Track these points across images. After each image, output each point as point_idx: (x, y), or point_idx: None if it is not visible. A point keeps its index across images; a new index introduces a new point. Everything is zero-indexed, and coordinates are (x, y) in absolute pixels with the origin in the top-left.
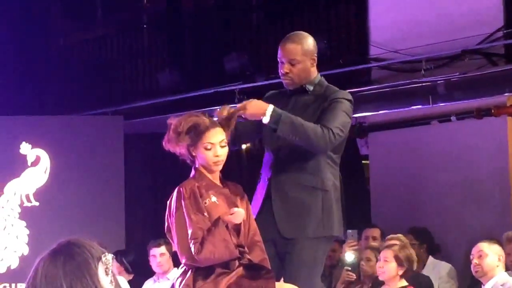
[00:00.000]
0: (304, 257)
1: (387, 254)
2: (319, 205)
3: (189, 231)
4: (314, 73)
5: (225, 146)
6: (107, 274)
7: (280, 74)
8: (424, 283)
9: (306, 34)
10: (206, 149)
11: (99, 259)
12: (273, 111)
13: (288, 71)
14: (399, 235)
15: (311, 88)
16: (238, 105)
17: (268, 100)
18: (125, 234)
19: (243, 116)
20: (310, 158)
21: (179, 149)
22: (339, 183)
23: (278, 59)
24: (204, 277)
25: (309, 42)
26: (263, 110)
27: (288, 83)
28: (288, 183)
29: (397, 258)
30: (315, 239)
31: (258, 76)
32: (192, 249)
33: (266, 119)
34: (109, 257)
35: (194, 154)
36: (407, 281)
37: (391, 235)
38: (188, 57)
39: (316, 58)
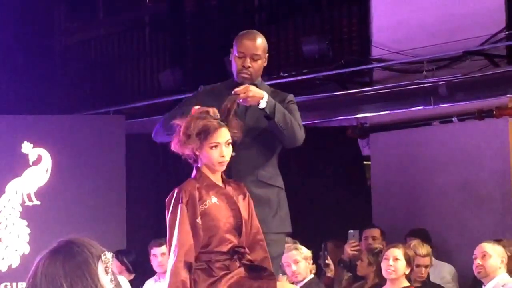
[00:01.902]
0: (272, 251)
1: (397, 253)
2: (276, 202)
3: (176, 237)
4: None
5: (229, 145)
6: (107, 273)
7: (238, 67)
8: None
9: (260, 33)
10: (211, 147)
11: (99, 258)
12: (269, 98)
13: (250, 65)
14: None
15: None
16: (238, 89)
17: (210, 94)
18: (126, 234)
19: (241, 100)
20: (268, 155)
21: (185, 151)
22: None
23: (236, 53)
24: (205, 278)
25: (265, 41)
26: (262, 95)
27: (247, 78)
28: (247, 178)
29: (406, 257)
30: (279, 234)
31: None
32: (173, 255)
33: (263, 104)
34: (108, 256)
35: (197, 153)
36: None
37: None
38: (189, 57)
39: (267, 59)
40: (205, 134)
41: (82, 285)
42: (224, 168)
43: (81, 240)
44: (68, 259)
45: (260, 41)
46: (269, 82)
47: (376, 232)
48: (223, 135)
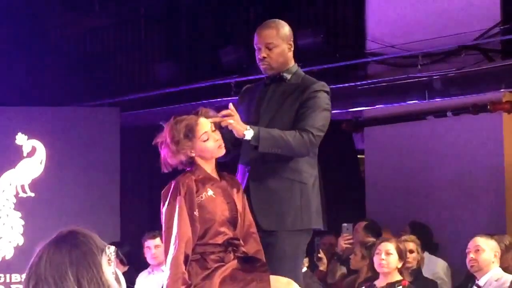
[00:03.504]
0: (287, 249)
1: (389, 247)
2: (297, 197)
3: (176, 228)
4: (292, 61)
5: (215, 129)
6: (109, 265)
7: (257, 60)
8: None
9: (281, 20)
10: (204, 140)
11: (103, 250)
12: (255, 130)
13: (265, 55)
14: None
15: (288, 76)
16: (224, 112)
17: (245, 94)
18: (120, 226)
19: (227, 125)
20: None
21: (181, 158)
22: (317, 174)
23: (255, 46)
24: (198, 270)
25: (285, 27)
26: (244, 128)
27: (266, 67)
28: (266, 174)
29: (398, 251)
30: (296, 232)
31: (254, 69)
32: (173, 247)
33: (248, 136)
34: (112, 249)
35: (192, 154)
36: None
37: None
38: (185, 49)
39: (292, 44)
40: (191, 131)
41: (88, 275)
42: (224, 151)
43: (85, 231)
44: (74, 248)
45: (275, 28)
46: (263, 76)
47: None
48: (206, 123)
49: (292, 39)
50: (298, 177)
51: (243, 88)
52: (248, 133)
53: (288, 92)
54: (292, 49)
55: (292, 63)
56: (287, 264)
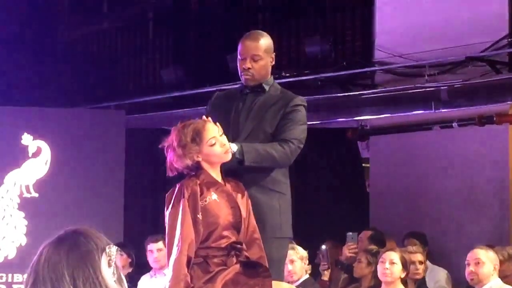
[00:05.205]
0: (274, 255)
1: (393, 256)
2: (277, 207)
3: (179, 231)
4: (270, 73)
5: (222, 134)
6: (109, 266)
7: (240, 69)
8: None
9: (264, 33)
10: (211, 145)
11: (103, 250)
12: (239, 146)
13: (250, 66)
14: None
15: (267, 88)
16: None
17: (218, 101)
18: (124, 229)
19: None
20: None
21: (187, 162)
22: (289, 183)
23: (239, 55)
24: (201, 273)
25: (270, 40)
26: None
27: (249, 79)
28: (246, 182)
29: (403, 261)
30: (280, 239)
31: None
32: (176, 248)
33: (234, 148)
34: (113, 249)
35: (199, 158)
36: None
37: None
38: (192, 54)
39: (274, 58)
40: (198, 135)
41: (84, 275)
42: (230, 156)
43: (88, 231)
44: (72, 249)
45: (261, 41)
46: None
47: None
48: (213, 128)
49: (274, 53)
50: (278, 187)
51: (214, 95)
52: (233, 146)
53: (270, 103)
54: (273, 62)
55: (270, 75)
56: (274, 269)
